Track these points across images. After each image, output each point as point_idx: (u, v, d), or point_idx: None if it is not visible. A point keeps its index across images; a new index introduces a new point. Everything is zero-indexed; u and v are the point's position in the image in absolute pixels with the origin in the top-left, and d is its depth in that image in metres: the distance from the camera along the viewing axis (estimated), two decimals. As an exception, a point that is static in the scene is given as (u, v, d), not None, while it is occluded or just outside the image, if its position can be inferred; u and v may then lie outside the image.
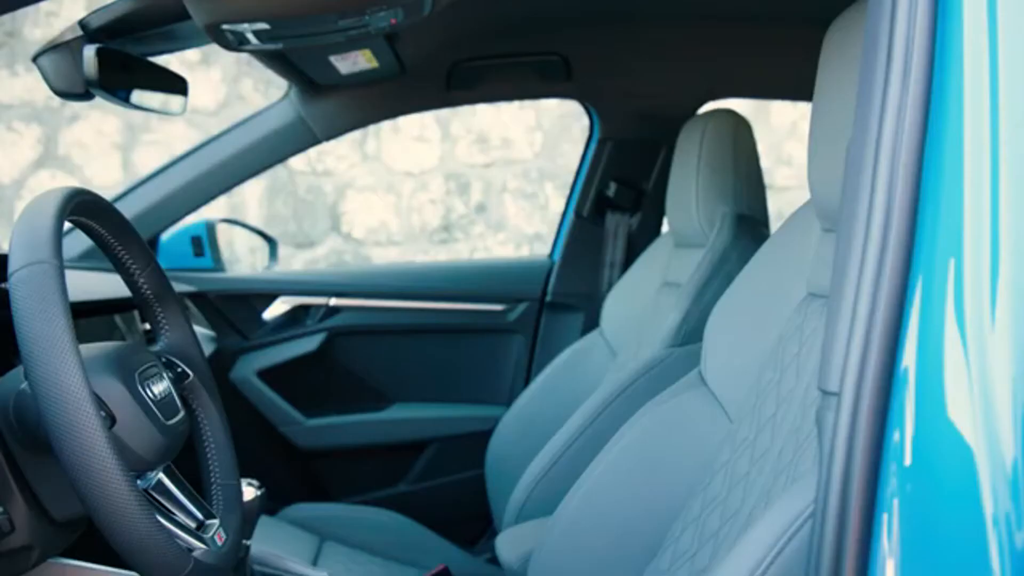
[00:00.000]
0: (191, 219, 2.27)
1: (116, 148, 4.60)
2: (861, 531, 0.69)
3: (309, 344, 2.34)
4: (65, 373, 0.82)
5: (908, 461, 0.72)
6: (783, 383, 1.15)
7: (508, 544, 1.51)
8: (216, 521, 1.05)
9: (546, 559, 1.32)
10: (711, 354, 1.33)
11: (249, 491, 1.30)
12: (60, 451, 0.82)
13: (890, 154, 0.75)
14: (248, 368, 2.31)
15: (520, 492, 1.66)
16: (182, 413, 1.06)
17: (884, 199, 0.75)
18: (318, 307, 2.36)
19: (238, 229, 2.72)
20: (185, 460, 1.15)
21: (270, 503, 1.75)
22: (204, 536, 1.00)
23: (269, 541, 1.62)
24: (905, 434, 0.72)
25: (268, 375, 2.31)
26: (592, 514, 1.32)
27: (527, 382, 2.37)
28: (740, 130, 1.87)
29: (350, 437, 2.34)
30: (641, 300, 2.05)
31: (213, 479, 1.13)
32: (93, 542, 1.26)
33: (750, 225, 1.84)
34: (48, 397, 0.82)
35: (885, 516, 0.71)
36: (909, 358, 0.73)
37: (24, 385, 0.94)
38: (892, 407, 0.72)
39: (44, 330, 0.83)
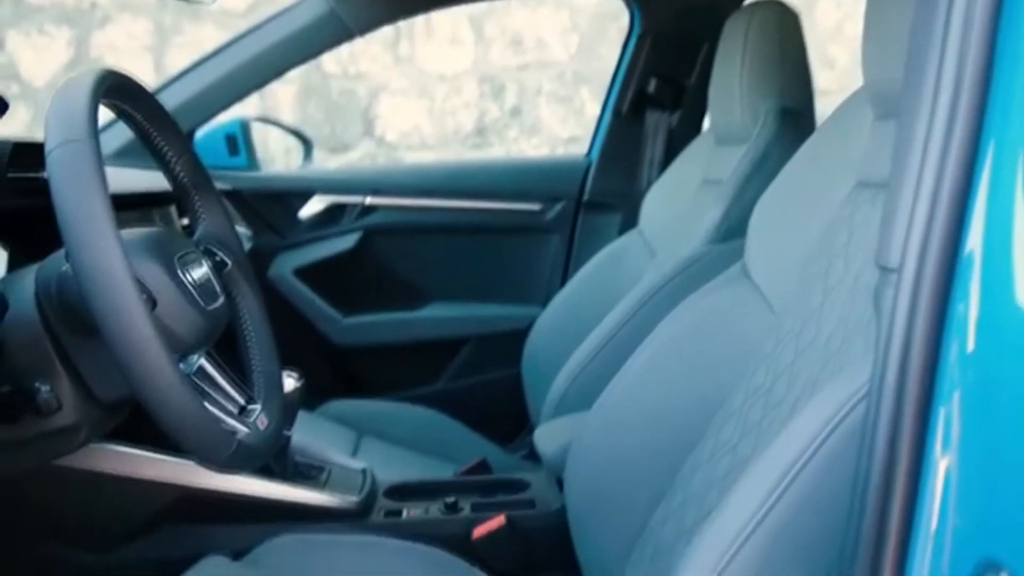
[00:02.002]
0: (224, 117, 2.25)
1: (147, 51, 4.56)
2: (918, 413, 0.67)
3: (345, 243, 2.33)
4: (106, 252, 0.81)
5: (971, 347, 0.70)
6: (830, 273, 1.12)
7: (546, 437, 1.51)
8: (258, 406, 1.05)
9: (585, 451, 1.32)
10: (755, 246, 1.30)
11: (289, 381, 1.31)
12: (103, 331, 0.82)
13: (961, 24, 0.71)
14: (285, 266, 2.31)
15: (558, 386, 1.66)
16: (222, 299, 1.05)
17: (953, 71, 0.71)
18: (354, 206, 2.35)
19: (272, 129, 2.69)
20: (225, 351, 1.15)
21: (308, 399, 1.76)
22: (247, 420, 1.01)
23: (308, 435, 1.64)
24: (968, 319, 0.70)
25: (305, 273, 2.31)
26: (632, 406, 1.31)
27: (563, 282, 2.36)
28: (787, 21, 1.80)
29: (387, 335, 2.35)
30: (681, 198, 2.01)
31: (254, 366, 1.14)
32: (140, 427, 1.28)
33: (795, 120, 1.79)
34: (90, 277, 0.81)
35: (944, 398, 0.69)
36: (975, 240, 0.71)
37: (66, 267, 0.94)
38: (955, 289, 0.70)
39: (82, 209, 0.82)
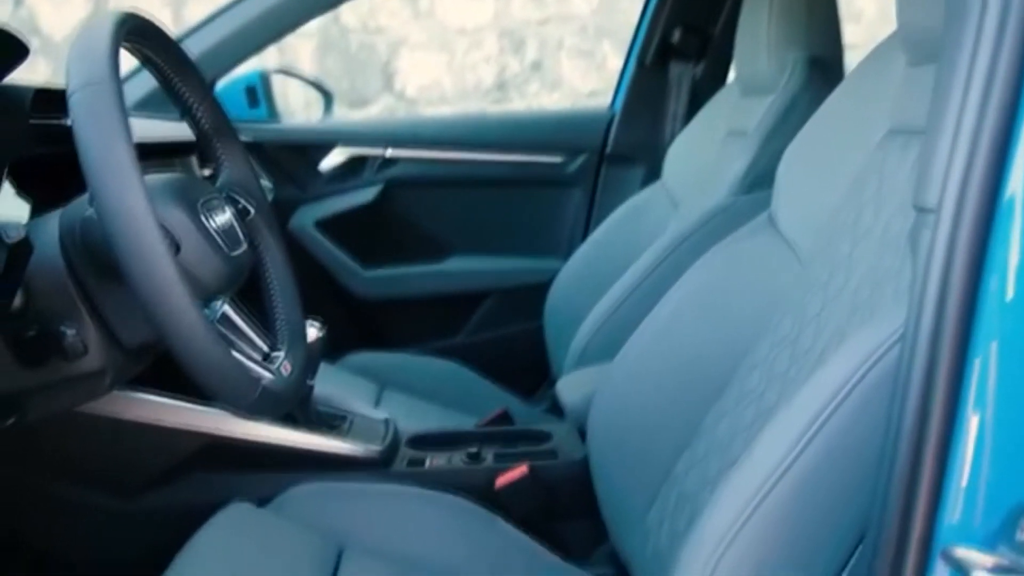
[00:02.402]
0: (244, 69, 2.24)
1: (166, 5, 4.54)
2: (954, 358, 0.66)
3: (367, 195, 2.33)
4: (129, 194, 0.81)
5: (1010, 294, 0.68)
6: (860, 222, 1.10)
7: (569, 387, 1.51)
8: (282, 353, 1.05)
9: (608, 401, 1.31)
10: (783, 195, 1.29)
11: (312, 331, 1.31)
12: (127, 273, 0.82)
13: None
14: (306, 219, 2.31)
15: (581, 338, 1.66)
16: (245, 245, 1.05)
17: (997, 13, 0.69)
18: (375, 158, 2.34)
19: (292, 81, 2.67)
20: (249, 299, 1.15)
21: (330, 352, 1.77)
22: (271, 366, 1.00)
23: (330, 386, 1.64)
24: (1008, 265, 0.68)
25: (326, 226, 2.31)
26: (656, 356, 1.30)
27: (585, 235, 2.34)
28: (816, -32, 1.77)
29: (408, 288, 2.35)
30: (705, 150, 1.99)
31: (277, 314, 1.13)
32: (166, 376, 1.28)
33: (823, 70, 1.76)
34: (113, 219, 0.81)
35: (980, 345, 0.67)
36: (1016, 185, 0.69)
37: (90, 211, 0.94)
38: (995, 234, 0.68)
39: (106, 151, 0.81)
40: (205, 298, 0.98)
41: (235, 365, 0.88)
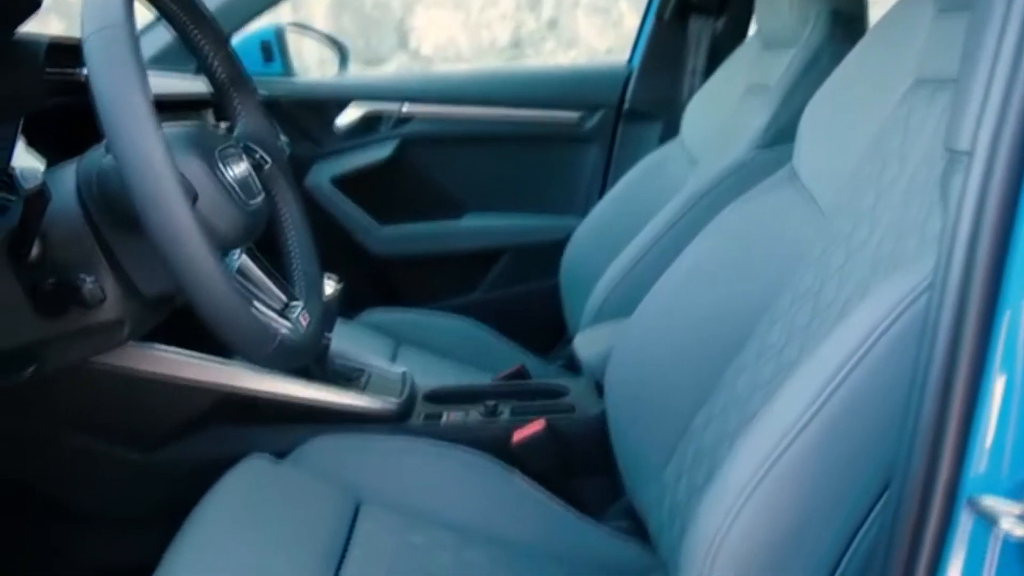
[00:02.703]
0: (259, 25, 2.22)
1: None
2: (984, 301, 0.65)
3: (382, 151, 2.31)
4: (146, 136, 0.80)
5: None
6: (884, 174, 1.09)
7: (586, 343, 1.50)
8: (299, 305, 1.05)
9: (625, 356, 1.31)
10: (805, 147, 1.27)
11: (329, 285, 1.30)
12: (145, 221, 0.81)
13: None
14: (322, 175, 2.30)
15: (598, 295, 1.65)
16: (262, 196, 1.04)
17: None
18: (391, 114, 2.32)
19: (307, 38, 2.65)
20: (266, 253, 1.14)
21: (346, 308, 1.76)
22: (288, 318, 1.00)
23: (346, 342, 1.64)
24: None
25: (342, 183, 2.30)
26: (675, 311, 1.29)
27: (602, 192, 2.32)
28: (841, -83, 1.73)
29: (424, 245, 2.34)
30: (725, 105, 1.96)
31: (294, 266, 1.13)
32: (183, 331, 1.28)
33: (847, 23, 1.73)
34: (130, 163, 0.80)
35: (1011, 294, 0.66)
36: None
37: (107, 159, 0.93)
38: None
39: (122, 95, 0.80)
40: (222, 249, 0.98)
41: (252, 316, 0.87)
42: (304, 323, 1.01)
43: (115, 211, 0.94)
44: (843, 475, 0.79)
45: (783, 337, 1.13)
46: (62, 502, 1.36)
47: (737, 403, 1.12)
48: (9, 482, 1.35)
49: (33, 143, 1.23)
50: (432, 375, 1.66)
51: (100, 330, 0.96)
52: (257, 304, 0.96)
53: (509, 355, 2.00)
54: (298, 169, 2.26)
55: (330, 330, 1.35)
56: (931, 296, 0.68)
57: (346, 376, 1.43)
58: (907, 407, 0.67)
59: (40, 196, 0.88)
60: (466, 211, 2.40)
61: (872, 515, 0.76)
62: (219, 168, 0.97)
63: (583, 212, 2.23)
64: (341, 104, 2.31)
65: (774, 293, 1.21)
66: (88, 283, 0.93)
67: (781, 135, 1.63)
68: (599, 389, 1.46)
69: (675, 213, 1.63)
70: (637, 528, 1.31)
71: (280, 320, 0.97)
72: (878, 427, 0.78)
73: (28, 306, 0.93)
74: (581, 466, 1.39)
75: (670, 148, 2.12)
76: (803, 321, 1.10)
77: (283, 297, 1.04)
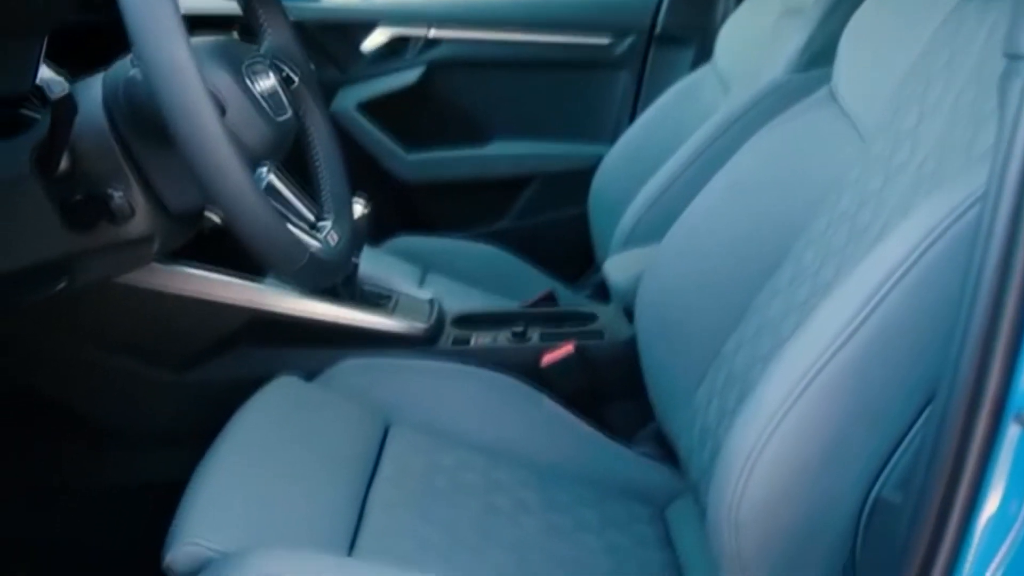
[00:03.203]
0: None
1: None
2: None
3: (409, 77, 2.28)
4: (174, 48, 0.78)
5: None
6: (928, 94, 1.06)
7: (616, 267, 1.48)
8: (328, 223, 1.04)
9: (657, 280, 1.29)
10: (845, 68, 1.23)
11: (357, 207, 1.29)
12: (174, 131, 0.80)
13: None
14: (348, 101, 2.27)
15: (628, 219, 1.63)
16: (290, 112, 1.02)
17: None
18: (417, 39, 2.29)
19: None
20: (294, 173, 1.13)
21: (373, 234, 1.76)
22: (318, 235, 0.99)
23: (374, 267, 1.64)
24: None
25: (368, 108, 2.28)
26: (706, 235, 1.27)
27: (632, 119, 2.29)
28: None
29: (451, 171, 2.32)
30: (760, 28, 1.91)
31: (323, 184, 1.12)
32: (212, 252, 1.28)
33: (888, -59, 1.67)
34: (158, 75, 0.79)
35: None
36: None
37: (134, 71, 0.92)
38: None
39: (149, 4, 0.79)
40: (251, 163, 0.96)
41: (284, 229, 0.86)
42: (333, 241, 1.00)
43: (142, 123, 0.92)
44: (881, 393, 0.78)
45: (818, 260, 1.11)
46: (95, 420, 1.37)
47: (770, 326, 1.11)
48: (42, 400, 1.36)
49: (57, 62, 1.22)
50: (459, 301, 1.65)
51: (129, 245, 0.96)
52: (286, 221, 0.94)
53: (537, 282, 1.99)
54: (323, 95, 2.23)
55: (358, 254, 1.34)
56: (984, 206, 0.65)
57: (374, 300, 1.43)
58: (954, 321, 0.65)
59: (68, 104, 0.87)
60: (494, 137, 2.37)
61: (912, 432, 0.75)
62: (247, 80, 0.96)
63: (613, 139, 2.20)
64: (367, 28, 2.28)
65: (809, 216, 1.19)
66: (117, 197, 0.92)
67: (817, 58, 1.59)
68: (628, 315, 1.45)
69: (707, 137, 1.60)
70: (666, 453, 1.31)
71: (310, 237, 0.96)
72: (919, 344, 0.77)
73: (58, 220, 0.92)
74: (610, 390, 1.39)
75: (703, 73, 2.08)
76: (839, 244, 1.08)
77: (312, 216, 1.03)
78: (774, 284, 1.17)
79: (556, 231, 2.32)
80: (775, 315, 1.12)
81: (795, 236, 1.18)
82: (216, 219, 1.41)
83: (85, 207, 0.92)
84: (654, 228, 1.54)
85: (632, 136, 2.06)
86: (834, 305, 0.85)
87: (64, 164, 0.92)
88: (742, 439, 0.81)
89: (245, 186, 0.81)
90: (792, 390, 0.80)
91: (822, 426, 0.79)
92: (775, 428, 0.79)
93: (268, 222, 0.84)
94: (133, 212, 0.93)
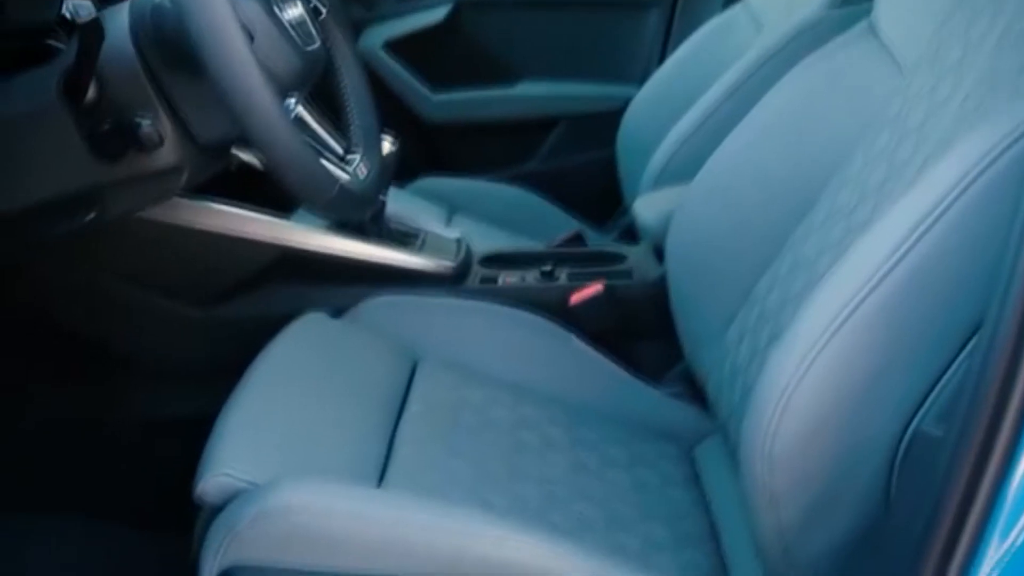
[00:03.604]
0: None
1: None
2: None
3: (436, 15, 2.25)
4: None
5: None
6: (973, 27, 1.03)
7: (646, 206, 1.47)
8: (357, 155, 1.03)
9: (688, 218, 1.27)
10: (886, 1, 1.20)
11: (386, 143, 1.28)
12: (202, 58, 0.79)
13: None
14: (373, 40, 2.25)
15: (659, 159, 1.61)
16: (319, 42, 1.01)
17: None
18: (445, -25, 2.26)
19: None
20: (322, 107, 1.12)
21: (399, 175, 1.74)
22: (347, 167, 0.98)
23: (400, 207, 1.62)
24: None
25: (394, 47, 2.25)
26: (740, 172, 1.25)
27: (662, 59, 2.25)
28: None
29: (478, 112, 2.30)
30: (795, -36, 1.86)
31: (351, 117, 1.11)
32: (240, 189, 1.27)
33: None
34: (188, 1, 0.77)
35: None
36: None
37: None
38: None
39: None
40: (280, 93, 0.95)
41: (314, 160, 0.85)
42: (363, 173, 0.99)
43: (170, 51, 0.91)
44: (921, 328, 0.76)
45: (854, 198, 1.09)
46: (123, 355, 1.38)
47: (804, 264, 1.09)
48: (70, 335, 1.37)
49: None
50: (486, 242, 1.64)
51: (158, 176, 0.95)
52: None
53: (564, 224, 1.97)
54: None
55: (385, 191, 1.33)
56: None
57: (401, 238, 1.42)
58: (1000, 253, 0.63)
59: (95, 29, 0.86)
60: (521, 78, 2.34)
61: (953, 366, 0.73)
62: (274, 9, 0.94)
63: (642, 80, 2.16)
64: (393, -37, 2.25)
65: (845, 154, 1.16)
66: (145, 125, 0.91)
67: (856, -7, 1.55)
68: (658, 254, 1.43)
69: (741, 75, 1.57)
70: (694, 393, 1.30)
71: (339, 169, 0.95)
72: (961, 278, 0.75)
73: (86, 150, 0.92)
74: (638, 330, 1.38)
75: (735, 12, 2.03)
76: (876, 181, 1.06)
77: (341, 148, 1.02)
78: (808, 223, 1.15)
79: (583, 173, 2.30)
80: (809, 254, 1.10)
81: (830, 175, 1.16)
82: (243, 157, 1.41)
83: (113, 136, 0.91)
84: (685, 168, 1.52)
85: (662, 76, 2.03)
86: (873, 241, 0.84)
87: (91, 93, 0.91)
88: (777, 374, 0.80)
89: (275, 114, 0.80)
90: (829, 325, 0.79)
91: (859, 361, 0.78)
92: (811, 363, 0.78)
93: (298, 151, 0.83)
94: (162, 141, 0.92)
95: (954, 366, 0.73)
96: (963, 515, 0.58)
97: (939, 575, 0.60)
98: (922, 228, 0.80)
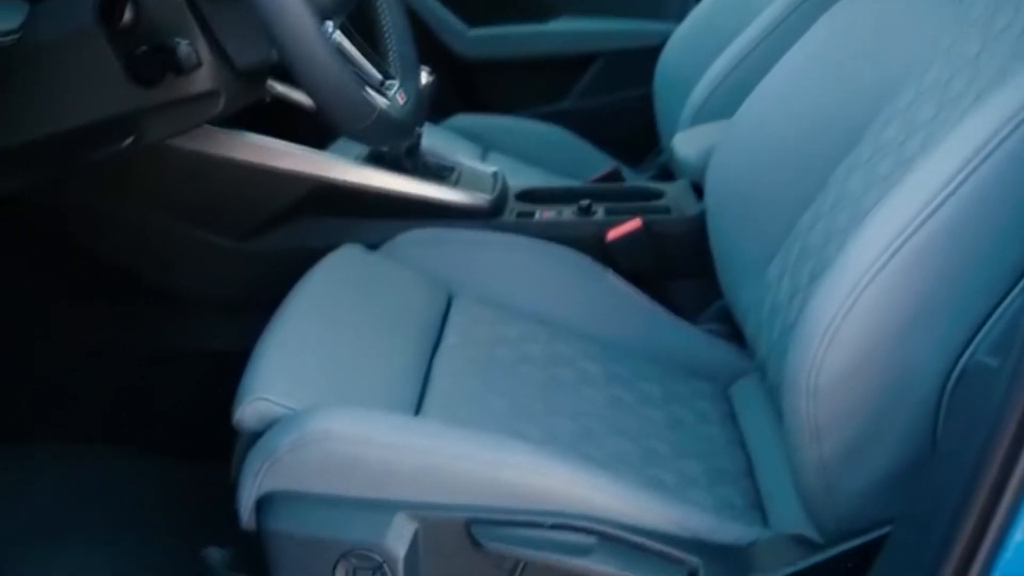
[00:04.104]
0: None
1: None
2: None
3: (472, -50, 2.22)
4: None
5: None
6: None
7: (686, 142, 1.44)
8: (396, 83, 1.01)
9: (729, 154, 1.25)
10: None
11: (422, 75, 1.26)
12: None
13: None
14: (407, -27, 2.21)
15: (698, 94, 1.58)
16: None
17: None
18: (481, -93, 2.21)
19: None
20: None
21: (433, 112, 1.72)
22: (386, 94, 0.97)
23: (435, 143, 1.61)
24: None
25: (427, -21, 2.22)
26: (782, 109, 1.23)
27: (702, -6, 2.20)
28: None
29: (513, 48, 2.27)
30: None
31: (389, 45, 1.09)
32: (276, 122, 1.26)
33: None
34: None
35: None
36: None
37: None
38: None
39: None
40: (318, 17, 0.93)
41: (353, 84, 0.84)
42: (402, 100, 0.98)
43: None
44: (974, 261, 0.74)
45: (902, 133, 1.06)
46: (159, 287, 1.39)
47: (849, 200, 1.07)
48: (105, 265, 1.38)
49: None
50: (521, 179, 1.62)
51: (195, 100, 0.94)
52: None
53: (599, 162, 1.95)
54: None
55: (421, 123, 1.31)
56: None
57: (437, 172, 1.41)
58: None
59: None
60: (558, 14, 2.30)
61: (1009, 297, 0.72)
62: (313, -68, 0.92)
63: (680, 15, 2.12)
64: None
65: (893, 88, 1.13)
66: (183, 46, 0.90)
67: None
68: (697, 191, 1.41)
69: (783, 9, 1.54)
70: (730, 331, 1.29)
71: (378, 95, 0.94)
72: (1019, 209, 0.73)
73: (123, 74, 0.91)
74: (676, 267, 1.36)
75: (779, -55, 1.98)
76: (927, 115, 1.03)
77: (379, 75, 1.00)
78: (853, 159, 1.12)
79: (619, 112, 2.26)
80: (854, 189, 1.07)
81: (876, 110, 1.13)
82: (278, 89, 1.40)
83: (150, 59, 0.90)
84: (724, 105, 1.49)
85: (701, 12, 1.99)
86: (923, 174, 0.81)
87: (128, 16, 0.90)
88: (824, 306, 0.79)
89: (313, 36, 0.79)
90: (879, 257, 0.77)
91: (908, 293, 0.76)
92: (859, 295, 0.77)
93: (337, 75, 0.81)
94: (200, 62, 0.91)
95: (1009, 298, 0.71)
96: (1019, 443, 0.57)
97: (991, 506, 0.59)
98: (977, 160, 0.77)
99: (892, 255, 0.76)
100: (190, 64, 0.90)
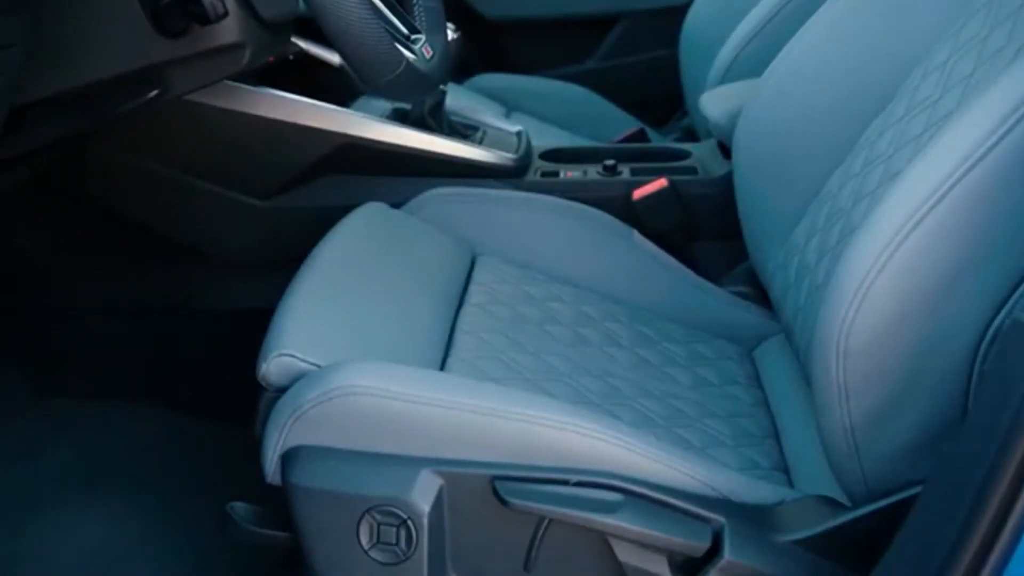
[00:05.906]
0: None
1: None
2: None
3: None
4: None
5: None
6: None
7: (714, 100, 1.42)
8: (422, 36, 1.00)
9: (757, 114, 1.23)
10: None
11: (448, 31, 1.25)
12: None
13: None
14: (432, -68, 2.18)
15: (725, 55, 1.56)
16: None
17: None
18: None
19: None
20: None
21: (456, 72, 1.70)
22: (412, 47, 0.96)
23: (458, 102, 1.59)
24: None
25: (452, -61, 2.18)
26: (812, 68, 1.20)
27: (728, -46, 2.16)
28: None
29: (537, 8, 2.25)
30: None
31: (416, 1, 1.07)
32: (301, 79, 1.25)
33: None
34: None
35: None
36: None
37: None
38: None
39: None
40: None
41: (381, 34, 0.83)
42: (428, 54, 0.97)
43: None
44: (1014, 216, 0.73)
45: (937, 91, 1.04)
46: (183, 243, 1.39)
47: (880, 160, 1.05)
48: (129, 222, 1.38)
49: None
50: (545, 140, 1.61)
51: (221, 52, 0.94)
52: (381, 30, 0.91)
53: (623, 124, 1.93)
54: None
55: (449, 76, 1.30)
56: None
57: (461, 130, 1.40)
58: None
59: None
60: (581, -26, 2.28)
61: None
62: None
63: (706, -26, 2.09)
64: None
65: (925, 48, 1.11)
66: (209, -5, 0.89)
67: None
68: (723, 151, 1.39)
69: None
70: (756, 293, 1.28)
71: (405, 48, 0.93)
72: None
73: (149, 25, 0.90)
74: (702, 228, 1.35)
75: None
76: (963, 72, 1.01)
77: (405, 29, 0.99)
78: (884, 119, 1.10)
79: (643, 73, 2.24)
80: (886, 149, 1.06)
81: (908, 69, 1.11)
82: (302, 45, 1.38)
83: (175, 10, 0.90)
84: (754, 63, 1.46)
85: (727, -28, 1.95)
86: (961, 130, 0.80)
87: (153, -35, 0.89)
88: (855, 265, 0.77)
89: None
90: (912, 215, 0.76)
91: (942, 253, 0.75)
92: (892, 254, 0.75)
93: (365, 25, 0.80)
94: (226, 12, 0.90)
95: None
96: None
97: (1022, 473, 0.58)
98: (1016, 116, 0.76)
99: (927, 213, 0.75)
100: (216, 13, 0.89)
